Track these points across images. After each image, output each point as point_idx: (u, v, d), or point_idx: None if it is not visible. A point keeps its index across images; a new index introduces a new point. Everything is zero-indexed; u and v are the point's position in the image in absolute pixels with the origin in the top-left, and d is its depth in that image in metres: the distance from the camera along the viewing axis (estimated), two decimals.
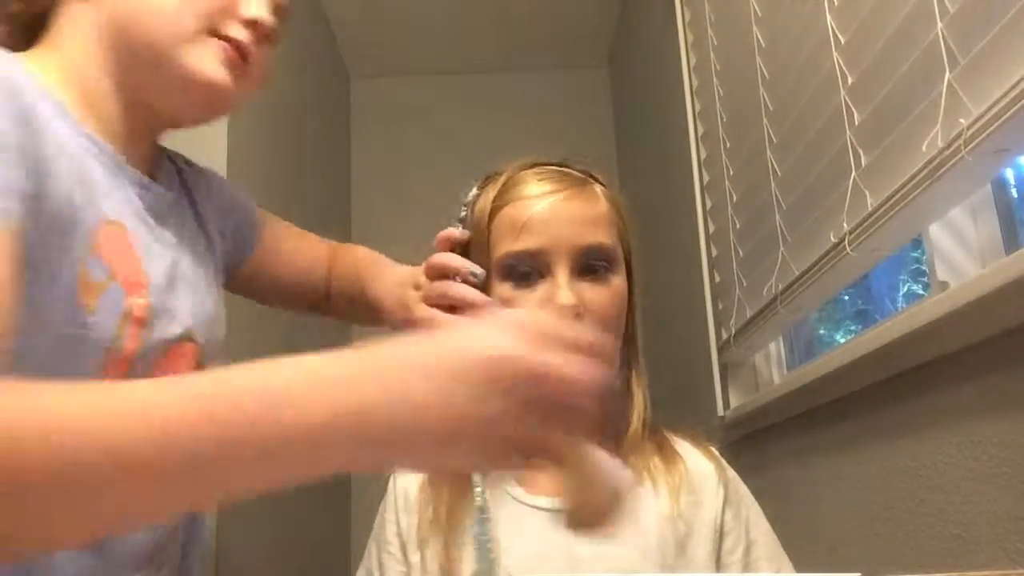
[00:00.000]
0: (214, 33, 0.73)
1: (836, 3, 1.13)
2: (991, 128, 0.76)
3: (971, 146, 0.78)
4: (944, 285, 0.96)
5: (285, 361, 0.45)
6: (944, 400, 0.92)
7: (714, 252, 1.83)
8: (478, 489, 0.72)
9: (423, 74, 3.25)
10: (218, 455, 0.42)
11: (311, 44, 2.75)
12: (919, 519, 0.96)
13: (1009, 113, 0.73)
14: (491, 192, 0.82)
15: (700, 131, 1.93)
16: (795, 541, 1.37)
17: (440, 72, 3.24)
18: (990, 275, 0.78)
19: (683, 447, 0.84)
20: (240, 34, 0.74)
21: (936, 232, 1.00)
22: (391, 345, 0.46)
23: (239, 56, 0.74)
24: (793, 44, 1.29)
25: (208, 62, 0.73)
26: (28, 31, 0.75)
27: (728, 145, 1.70)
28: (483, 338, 0.45)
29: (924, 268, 1.14)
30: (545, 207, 0.79)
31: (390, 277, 0.92)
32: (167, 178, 0.83)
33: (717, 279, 1.80)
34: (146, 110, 0.76)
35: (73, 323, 0.64)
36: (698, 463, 0.82)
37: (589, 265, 0.78)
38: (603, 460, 0.47)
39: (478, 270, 0.80)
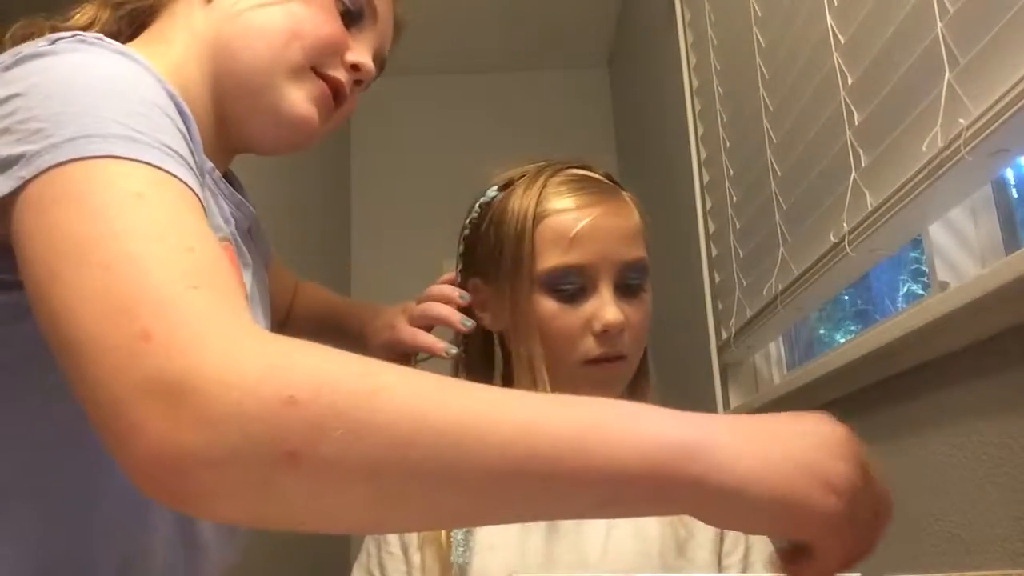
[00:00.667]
0: (316, 70, 0.72)
1: (836, 3, 1.13)
2: (991, 128, 0.76)
3: (971, 146, 0.78)
4: (944, 285, 0.96)
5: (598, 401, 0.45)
6: (944, 400, 0.92)
7: (714, 252, 1.83)
8: None
9: (423, 74, 3.25)
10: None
11: None
12: (919, 519, 0.96)
13: (1009, 113, 0.73)
14: (526, 199, 0.81)
15: (700, 131, 1.93)
16: None
17: (440, 72, 3.24)
18: (990, 275, 0.78)
19: None
20: (341, 76, 0.73)
21: (936, 232, 1.00)
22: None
23: (334, 97, 0.73)
24: (793, 44, 1.29)
25: (304, 98, 0.71)
26: (135, 19, 0.73)
27: (728, 145, 1.70)
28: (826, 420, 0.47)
29: (924, 268, 1.14)
30: (592, 222, 0.79)
31: (376, 307, 0.94)
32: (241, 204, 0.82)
33: (717, 279, 1.80)
34: (232, 127, 0.74)
35: None
36: None
37: (627, 283, 0.80)
38: None
39: (469, 322, 0.82)
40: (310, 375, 0.40)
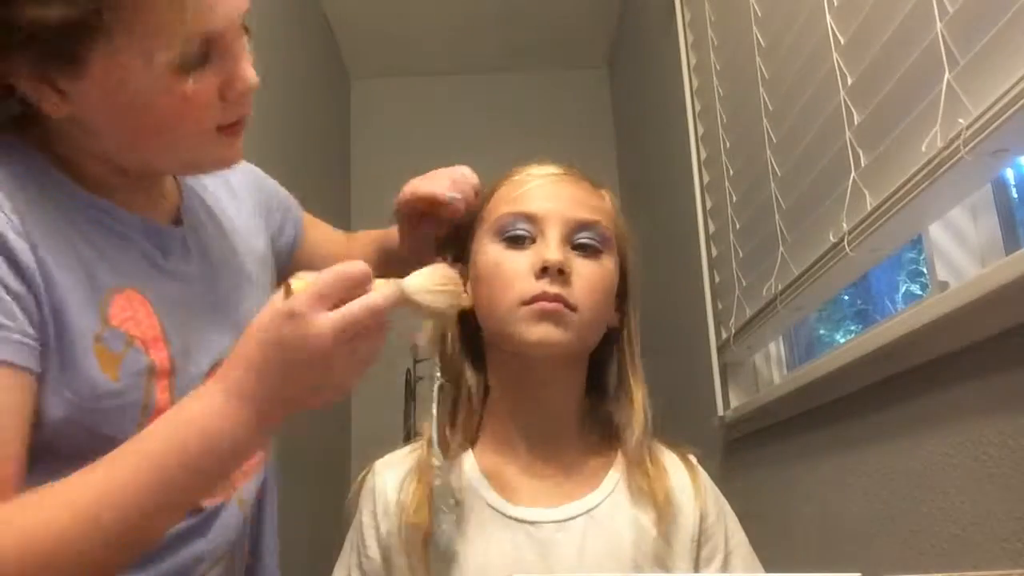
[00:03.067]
0: (222, 124, 0.72)
1: (836, 3, 1.13)
2: (990, 128, 0.76)
3: (970, 146, 0.78)
4: (944, 285, 0.96)
5: (174, 419, 0.66)
6: (944, 400, 0.92)
7: (714, 252, 1.83)
8: (436, 451, 0.76)
9: (423, 74, 3.25)
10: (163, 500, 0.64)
11: (311, 44, 2.75)
12: (919, 519, 0.96)
13: (1008, 113, 0.73)
14: (499, 179, 0.85)
15: (700, 131, 1.93)
16: (795, 541, 1.37)
17: (440, 72, 3.25)
18: (990, 275, 0.78)
19: (668, 457, 0.83)
20: (244, 109, 0.73)
21: (936, 232, 1.00)
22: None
23: (242, 126, 0.75)
24: (793, 44, 1.29)
25: (224, 154, 0.75)
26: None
27: (728, 145, 1.70)
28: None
29: (922, 268, 1.14)
30: (547, 181, 0.81)
31: None
32: (184, 204, 0.84)
33: (717, 279, 1.80)
34: (145, 170, 0.77)
35: (102, 396, 0.69)
36: (678, 475, 0.82)
37: (580, 243, 0.78)
38: None
39: (455, 194, 0.84)
40: None
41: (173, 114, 0.68)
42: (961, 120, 0.80)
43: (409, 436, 2.40)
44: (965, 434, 0.87)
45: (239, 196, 0.93)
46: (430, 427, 0.78)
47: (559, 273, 0.75)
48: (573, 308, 0.75)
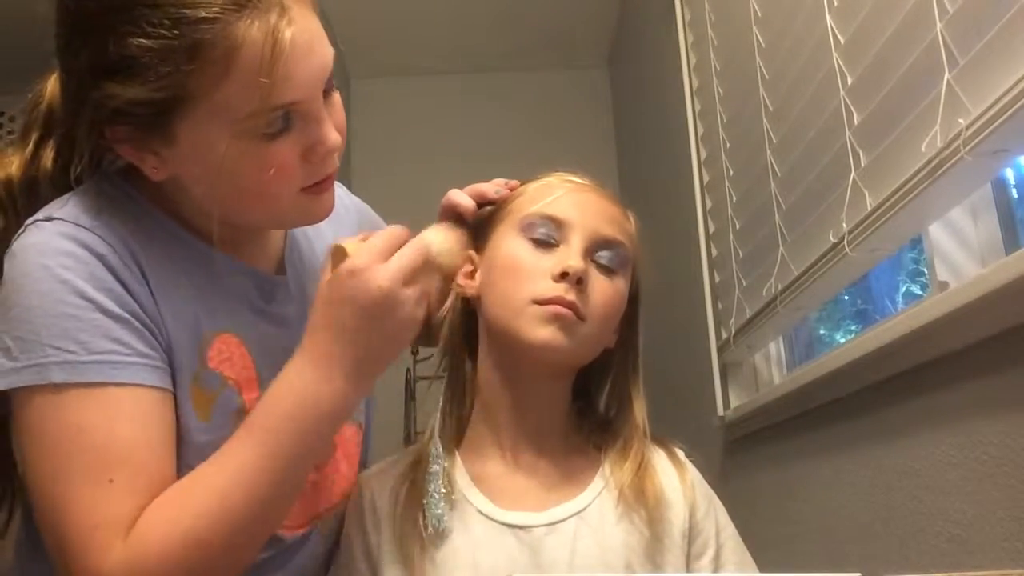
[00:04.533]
0: (306, 185, 0.73)
1: (836, 3, 1.13)
2: (990, 128, 0.76)
3: (970, 146, 0.78)
4: (944, 285, 0.96)
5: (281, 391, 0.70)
6: (944, 400, 0.92)
7: (714, 252, 1.83)
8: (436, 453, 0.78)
9: (423, 74, 3.25)
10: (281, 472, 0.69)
11: None
12: (919, 519, 0.96)
13: (1008, 113, 0.73)
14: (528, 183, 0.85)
15: (700, 131, 1.93)
16: (795, 541, 1.37)
17: (440, 72, 3.25)
18: (990, 275, 0.78)
19: (655, 454, 0.83)
20: (329, 168, 0.75)
21: (936, 232, 1.00)
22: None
23: (330, 182, 0.76)
24: (793, 44, 1.29)
25: (313, 210, 0.77)
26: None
27: (728, 145, 1.70)
28: None
29: (922, 268, 1.14)
30: (579, 190, 0.82)
31: None
32: (289, 247, 0.86)
33: (717, 279, 1.80)
34: (241, 224, 0.79)
35: (191, 432, 0.73)
36: (666, 471, 0.82)
37: (599, 262, 0.79)
38: None
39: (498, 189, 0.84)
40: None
41: (259, 178, 0.70)
42: (961, 120, 0.80)
43: (409, 436, 2.40)
44: (965, 434, 0.87)
45: (344, 227, 0.93)
46: (432, 418, 0.80)
47: (577, 282, 0.75)
48: (582, 319, 0.76)
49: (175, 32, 0.64)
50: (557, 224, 0.78)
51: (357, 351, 0.69)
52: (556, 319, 0.75)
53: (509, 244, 0.79)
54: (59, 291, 0.68)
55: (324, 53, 0.71)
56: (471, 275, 0.82)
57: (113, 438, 0.67)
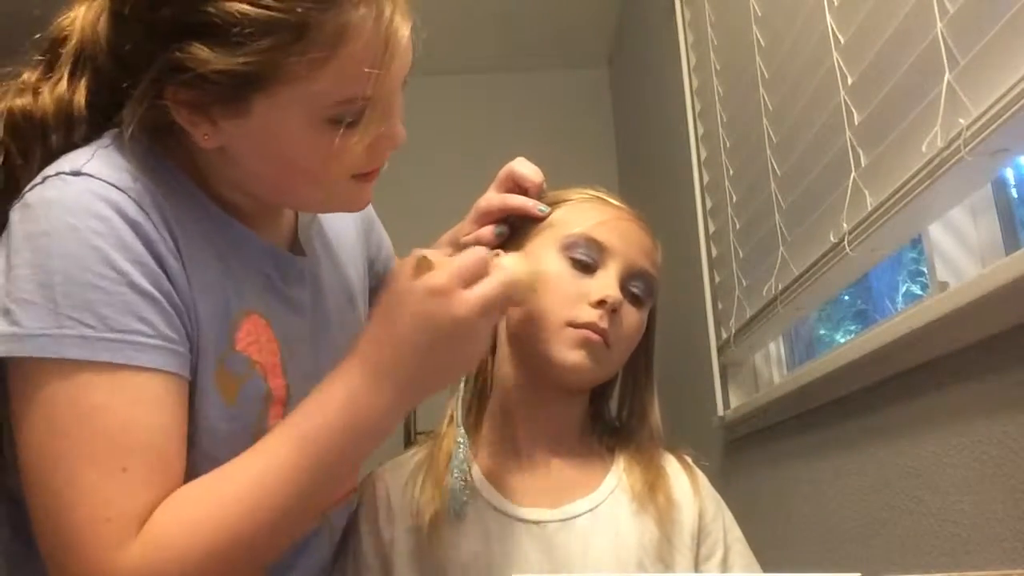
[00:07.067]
0: (359, 173, 0.72)
1: (836, 3, 1.13)
2: (990, 128, 0.76)
3: (971, 146, 0.78)
4: (944, 285, 0.96)
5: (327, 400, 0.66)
6: (944, 400, 0.92)
7: (714, 252, 1.83)
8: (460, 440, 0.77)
9: (423, 74, 3.24)
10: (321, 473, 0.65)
11: None
12: (919, 519, 0.96)
13: (1008, 113, 0.73)
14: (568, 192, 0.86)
15: (700, 131, 1.93)
16: (795, 541, 1.37)
17: (440, 72, 3.24)
18: (990, 275, 0.78)
19: (666, 459, 0.84)
20: (383, 160, 0.73)
21: (936, 232, 1.00)
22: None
23: (377, 173, 0.75)
24: (793, 44, 1.29)
25: (356, 198, 0.75)
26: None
27: (728, 145, 1.70)
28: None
29: (922, 268, 1.14)
30: (624, 217, 0.83)
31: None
32: (301, 229, 0.83)
33: (717, 279, 1.80)
34: (275, 203, 0.78)
35: (217, 418, 0.69)
36: (677, 475, 0.83)
37: (631, 291, 0.81)
38: None
39: (545, 208, 0.83)
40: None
41: (318, 162, 0.67)
42: (961, 120, 0.80)
43: (410, 436, 2.40)
44: (965, 434, 0.87)
45: (346, 219, 0.92)
46: (454, 406, 0.80)
47: (612, 311, 0.77)
48: (609, 345, 0.78)
49: (287, 4, 0.59)
50: (599, 248, 0.80)
51: (416, 371, 0.66)
52: (587, 344, 0.77)
53: (551, 261, 0.80)
54: (87, 257, 0.61)
55: (411, 47, 0.70)
56: None
57: (130, 424, 0.61)
